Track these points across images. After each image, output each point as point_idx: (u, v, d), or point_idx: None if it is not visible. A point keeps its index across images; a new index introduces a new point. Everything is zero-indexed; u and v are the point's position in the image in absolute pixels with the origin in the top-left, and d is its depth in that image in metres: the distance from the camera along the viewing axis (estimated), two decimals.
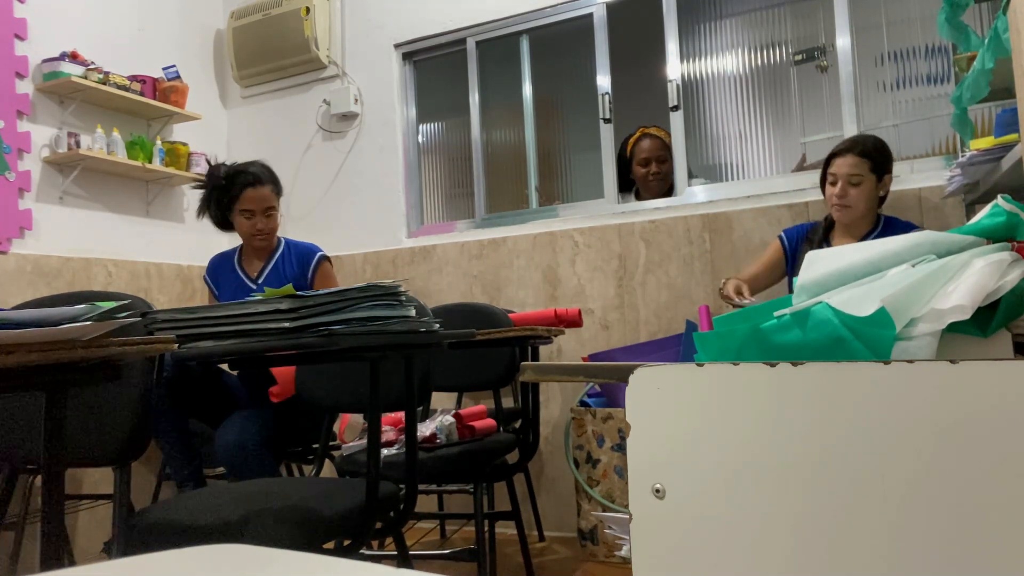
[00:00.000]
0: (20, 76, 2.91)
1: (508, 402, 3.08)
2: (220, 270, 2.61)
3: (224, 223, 2.53)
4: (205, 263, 2.70)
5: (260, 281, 2.53)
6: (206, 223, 2.57)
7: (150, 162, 3.23)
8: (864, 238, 2.32)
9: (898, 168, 2.71)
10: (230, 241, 2.84)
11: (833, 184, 2.28)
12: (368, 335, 1.25)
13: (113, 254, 3.20)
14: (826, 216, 2.41)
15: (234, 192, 2.42)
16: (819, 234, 2.39)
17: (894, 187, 2.62)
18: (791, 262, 2.41)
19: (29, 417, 1.50)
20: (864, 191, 2.24)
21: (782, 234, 2.47)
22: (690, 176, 3.08)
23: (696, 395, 0.69)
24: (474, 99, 3.48)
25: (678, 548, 0.68)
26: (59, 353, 0.88)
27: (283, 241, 2.61)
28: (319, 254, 2.56)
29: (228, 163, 2.50)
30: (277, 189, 2.50)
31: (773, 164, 3.01)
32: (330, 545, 1.50)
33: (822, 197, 2.38)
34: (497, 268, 3.25)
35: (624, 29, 3.27)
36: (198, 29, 3.78)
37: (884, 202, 2.36)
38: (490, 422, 2.28)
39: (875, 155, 2.24)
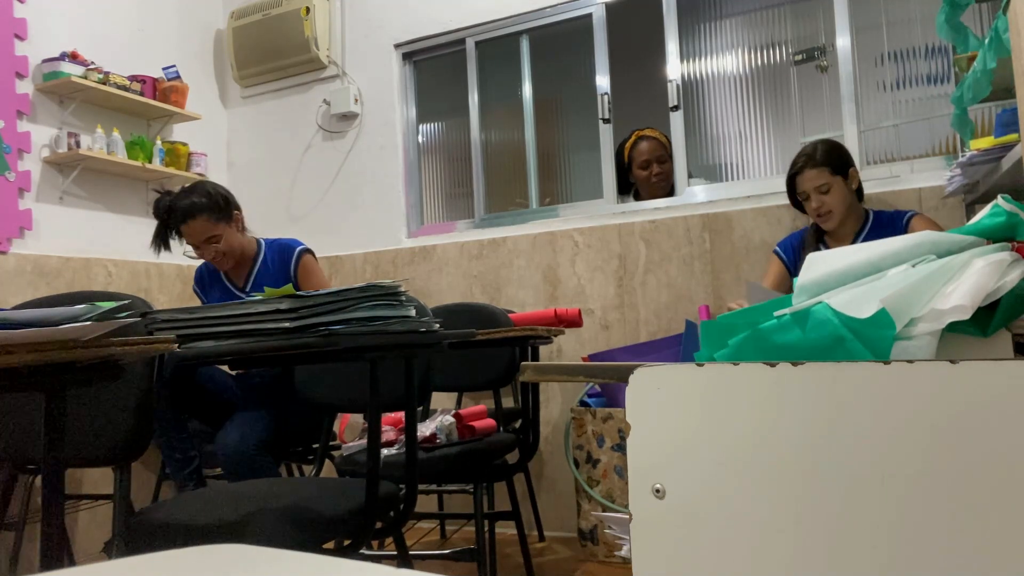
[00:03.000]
0: (20, 76, 2.91)
1: (508, 402, 3.08)
2: (207, 280, 2.55)
3: None
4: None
5: (248, 288, 2.47)
6: None
7: (150, 162, 3.23)
8: (857, 235, 2.37)
9: (898, 168, 2.72)
10: None
11: (807, 200, 2.34)
12: (368, 335, 1.25)
13: (113, 254, 3.20)
14: (812, 223, 2.45)
15: (173, 228, 2.36)
16: (813, 239, 2.43)
17: (895, 187, 2.63)
18: (794, 272, 2.43)
19: (29, 417, 1.50)
20: (837, 194, 2.29)
21: (777, 248, 2.52)
22: (689, 176, 3.08)
23: (696, 395, 0.69)
24: (473, 99, 3.48)
25: (678, 548, 0.68)
26: (59, 353, 0.88)
27: (262, 244, 2.51)
28: (299, 248, 2.46)
29: (171, 192, 2.39)
30: (217, 214, 2.34)
31: (773, 164, 3.01)
32: (330, 545, 1.50)
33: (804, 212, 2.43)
34: (497, 268, 3.25)
35: (624, 29, 3.27)
36: (198, 29, 3.78)
37: (862, 195, 2.41)
38: (490, 422, 2.28)
39: (829, 159, 2.30)
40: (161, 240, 2.38)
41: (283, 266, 2.47)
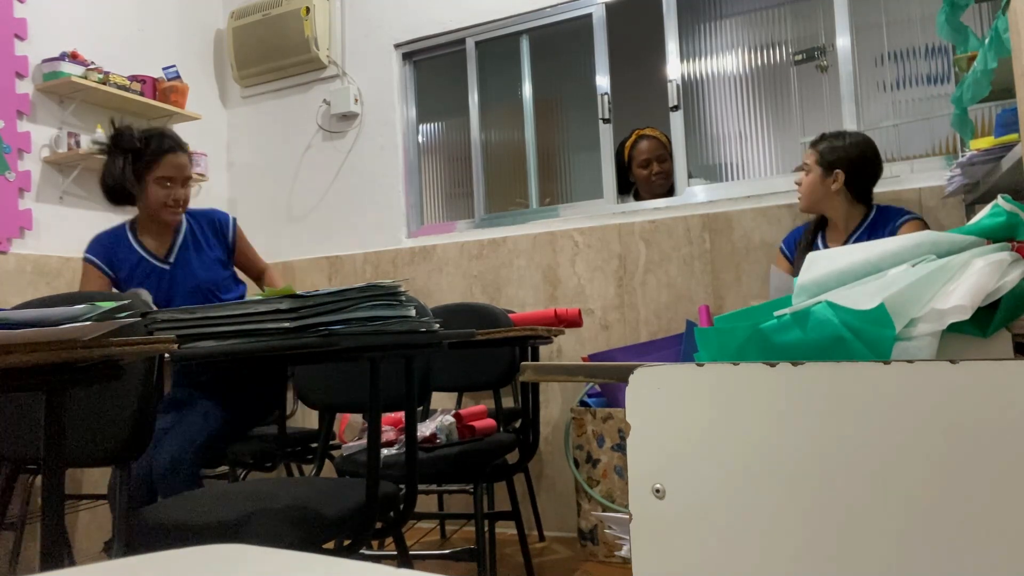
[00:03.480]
0: (20, 76, 2.91)
1: (508, 402, 3.08)
2: (115, 250, 2.29)
3: (122, 195, 2.20)
4: None
5: (172, 259, 2.30)
6: None
7: None
8: (856, 229, 2.37)
9: (898, 168, 2.71)
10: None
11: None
12: (368, 335, 1.25)
13: None
14: (814, 218, 2.46)
15: (149, 158, 2.14)
16: (812, 233, 2.44)
17: (895, 187, 2.63)
18: (795, 266, 2.45)
19: (29, 417, 1.50)
20: (809, 180, 2.35)
21: (781, 244, 2.56)
22: (689, 176, 3.08)
23: (696, 395, 0.69)
24: (473, 99, 3.48)
25: (678, 548, 0.68)
26: (59, 353, 0.88)
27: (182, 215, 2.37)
28: (231, 217, 2.42)
29: (129, 126, 2.21)
30: (191, 159, 2.30)
31: (773, 164, 3.01)
32: (330, 545, 1.50)
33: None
34: (497, 268, 3.25)
35: (624, 29, 3.27)
36: (198, 29, 3.78)
37: (865, 198, 2.37)
38: (490, 422, 2.28)
39: (823, 146, 2.34)
40: (113, 172, 2.13)
41: (217, 234, 2.38)
